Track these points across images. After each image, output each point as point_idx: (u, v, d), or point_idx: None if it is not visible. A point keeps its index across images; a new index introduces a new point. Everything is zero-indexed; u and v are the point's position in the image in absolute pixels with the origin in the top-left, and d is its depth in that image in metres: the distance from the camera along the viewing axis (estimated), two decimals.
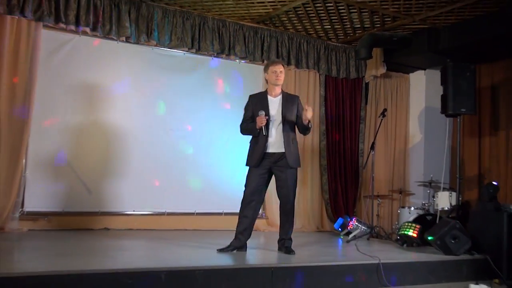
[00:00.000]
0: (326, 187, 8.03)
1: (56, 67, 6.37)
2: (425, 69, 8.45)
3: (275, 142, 4.91)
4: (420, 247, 5.92)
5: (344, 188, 8.19)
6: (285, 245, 5.02)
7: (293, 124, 5.03)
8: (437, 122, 8.12)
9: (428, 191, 7.34)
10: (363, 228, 6.85)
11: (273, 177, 5.05)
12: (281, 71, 4.98)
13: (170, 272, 3.69)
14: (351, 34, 7.95)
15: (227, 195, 7.01)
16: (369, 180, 7.58)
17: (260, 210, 7.53)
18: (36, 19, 6.07)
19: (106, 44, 6.65)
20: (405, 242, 6.08)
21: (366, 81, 8.51)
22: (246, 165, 5.01)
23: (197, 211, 7.02)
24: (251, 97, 5.12)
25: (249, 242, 5.03)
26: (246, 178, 4.98)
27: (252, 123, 4.95)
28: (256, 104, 4.98)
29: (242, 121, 5.08)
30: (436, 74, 7.65)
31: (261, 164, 4.89)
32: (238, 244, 4.91)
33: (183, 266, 3.95)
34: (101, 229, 6.39)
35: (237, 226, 4.96)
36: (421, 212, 6.91)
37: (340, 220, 7.42)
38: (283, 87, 7.57)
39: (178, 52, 7.10)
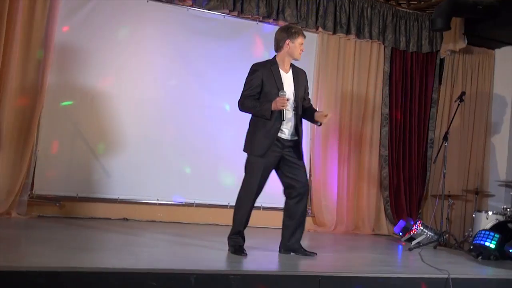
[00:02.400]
0: (386, 182, 7.99)
1: (77, 28, 6.50)
2: None
3: (290, 128, 4.88)
4: (499, 261, 5.84)
5: (408, 185, 8.14)
6: (298, 249, 5.02)
7: (301, 106, 5.00)
8: None
9: (511, 193, 7.21)
10: (430, 234, 6.80)
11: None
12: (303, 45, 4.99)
13: (201, 276, 3.75)
14: None
15: (266, 188, 7.03)
16: (439, 177, 7.49)
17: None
18: None
19: (135, 2, 6.75)
20: (481, 253, 6.00)
21: (442, 57, 8.38)
22: (246, 151, 4.93)
23: (230, 204, 7.07)
24: (258, 66, 4.91)
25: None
26: (249, 171, 4.88)
27: (258, 100, 4.82)
28: (268, 77, 4.85)
29: (245, 95, 4.88)
30: None
31: (270, 153, 4.82)
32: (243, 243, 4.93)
33: (215, 269, 4.02)
34: (119, 219, 6.56)
35: (242, 223, 4.92)
36: (501, 218, 6.79)
37: (401, 223, 7.39)
38: (341, 60, 7.55)
39: (217, 15, 7.15)
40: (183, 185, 6.95)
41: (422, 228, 6.92)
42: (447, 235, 7.01)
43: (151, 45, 6.86)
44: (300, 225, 5.05)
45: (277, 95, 4.73)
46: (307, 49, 7.51)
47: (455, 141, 8.18)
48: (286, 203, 5.05)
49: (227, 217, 6.85)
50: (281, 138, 4.85)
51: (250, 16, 7.23)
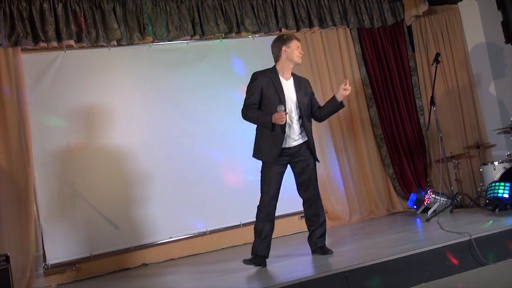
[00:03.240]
0: (388, 160, 7.99)
1: (46, 92, 6.50)
2: None
3: (295, 136, 4.98)
4: None
5: (410, 157, 8.13)
6: (318, 245, 5.12)
7: (309, 112, 5.10)
8: (504, 53, 7.94)
9: (511, 138, 7.22)
10: (443, 200, 6.81)
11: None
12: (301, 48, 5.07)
13: None
14: None
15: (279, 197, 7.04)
16: (437, 141, 7.49)
17: None
18: (12, 44, 6.22)
19: (97, 54, 6.76)
20: (497, 206, 6.01)
21: (408, 24, 8.40)
22: (256, 157, 5.05)
23: (243, 222, 7.06)
24: (259, 75, 5.02)
25: (303, 245, 5.18)
26: (264, 178, 5.00)
27: (258, 112, 4.91)
28: (268, 84, 4.95)
29: (247, 104, 4.98)
30: None
31: (279, 159, 4.94)
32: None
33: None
34: (138, 266, 6.54)
35: (262, 231, 4.98)
36: (508, 165, 6.79)
37: (413, 196, 7.39)
38: (312, 54, 7.58)
39: (180, 43, 7.15)
40: (191, 216, 6.92)
41: (434, 196, 6.92)
42: (460, 196, 7.01)
43: (123, 88, 6.86)
44: (317, 225, 5.15)
45: (278, 102, 4.85)
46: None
47: (444, 103, 8.20)
48: (302, 203, 5.23)
49: (243, 236, 6.92)
50: (284, 148, 4.93)
51: (212, 36, 7.23)
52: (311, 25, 7.76)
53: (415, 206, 7.28)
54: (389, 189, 8.00)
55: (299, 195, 5.20)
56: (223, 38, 7.35)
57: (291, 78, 5.07)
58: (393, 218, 7.32)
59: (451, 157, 7.50)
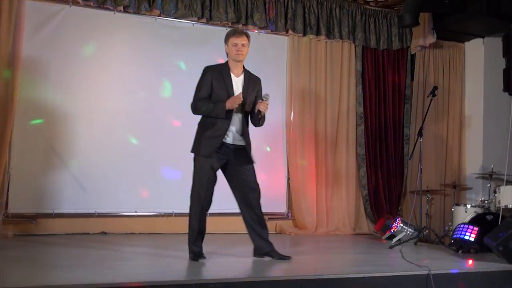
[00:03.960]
0: (365, 181, 8.02)
1: (43, 43, 6.46)
2: (483, 37, 8.36)
3: (236, 132, 4.91)
4: (479, 253, 5.88)
5: (386, 182, 8.17)
6: (273, 254, 5.00)
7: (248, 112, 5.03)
8: (499, 101, 7.99)
9: (488, 185, 7.29)
10: (410, 231, 6.83)
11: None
12: (243, 44, 4.92)
13: (179, 286, 3.74)
14: None
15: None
16: (416, 173, 7.53)
17: (285, 209, 7.60)
18: None
19: (101, 16, 6.72)
20: (461, 247, 6.04)
21: (412, 53, 8.44)
22: (194, 151, 4.92)
23: (210, 212, 7.02)
24: (210, 70, 4.97)
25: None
26: (197, 172, 4.89)
27: (210, 102, 4.85)
28: (218, 80, 4.91)
29: (197, 98, 4.92)
30: (497, 43, 7.56)
31: (215, 155, 4.85)
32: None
33: (194, 278, 4.00)
34: (97, 233, 6.51)
35: (197, 227, 4.96)
36: (479, 210, 6.86)
37: (382, 221, 7.40)
38: (312, 62, 7.59)
39: (185, 23, 7.13)
40: (161, 195, 6.90)
41: (402, 225, 6.94)
42: (427, 231, 7.05)
43: (120, 56, 6.84)
44: (261, 224, 5.04)
45: (227, 97, 4.79)
46: (278, 52, 7.64)
47: (430, 136, 8.23)
48: (240, 207, 5.05)
49: (208, 225, 6.86)
50: (225, 142, 4.87)
51: (219, 23, 7.20)
52: (318, 33, 7.76)
53: (381, 231, 7.30)
54: (360, 209, 8.03)
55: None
56: (229, 27, 7.32)
57: (242, 75, 5.00)
58: (358, 238, 7.35)
59: (426, 191, 7.55)
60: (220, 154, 4.87)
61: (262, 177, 7.26)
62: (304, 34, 7.70)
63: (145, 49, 6.96)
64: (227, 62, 5.02)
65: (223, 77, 4.91)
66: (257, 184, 5.00)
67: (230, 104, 4.74)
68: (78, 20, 6.63)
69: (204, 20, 7.13)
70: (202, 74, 4.97)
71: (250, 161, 4.95)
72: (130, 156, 6.78)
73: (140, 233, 6.69)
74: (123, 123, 6.80)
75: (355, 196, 8.01)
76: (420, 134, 6.99)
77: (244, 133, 4.94)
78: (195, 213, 4.95)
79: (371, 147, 8.09)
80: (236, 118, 4.90)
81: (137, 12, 6.82)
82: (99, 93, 6.71)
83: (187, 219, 6.82)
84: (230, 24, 7.27)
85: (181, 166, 6.93)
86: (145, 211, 6.84)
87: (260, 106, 4.86)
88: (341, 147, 7.93)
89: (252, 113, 5.00)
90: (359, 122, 8.04)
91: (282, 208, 7.64)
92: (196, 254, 4.88)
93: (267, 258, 4.97)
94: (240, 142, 4.92)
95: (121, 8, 6.71)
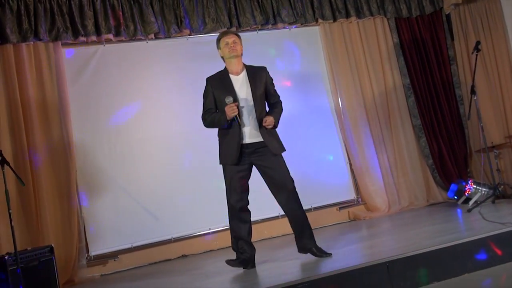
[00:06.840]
0: (427, 150, 7.88)
1: (86, 86, 6.63)
2: None
3: (251, 130, 4.87)
4: None
5: (450, 147, 8.01)
6: (314, 250, 4.94)
7: (265, 103, 5.03)
8: None
9: None
10: (484, 190, 6.70)
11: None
12: (234, 41, 4.96)
13: None
14: None
15: (317, 189, 7.04)
16: (477, 131, 7.37)
17: (354, 195, 7.55)
18: (52, 39, 6.35)
19: (135, 47, 6.86)
20: None
21: (447, 13, 8.24)
22: (221, 163, 4.98)
23: (281, 214, 7.04)
24: (209, 80, 5.05)
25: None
26: (227, 181, 4.96)
27: (216, 113, 4.91)
28: (218, 87, 4.94)
29: (203, 111, 5.03)
30: None
31: (241, 159, 4.87)
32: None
33: (281, 282, 4.03)
34: (178, 257, 6.63)
35: (240, 233, 5.01)
36: None
37: (453, 187, 7.28)
38: (348, 45, 7.52)
39: (217, 35, 7.13)
40: None
41: (475, 186, 6.81)
42: (502, 186, 6.88)
43: (161, 82, 6.93)
44: (298, 221, 5.01)
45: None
46: (312, 44, 7.61)
47: (484, 92, 8.03)
48: (281, 206, 5.07)
49: (281, 228, 6.93)
50: (246, 143, 4.87)
51: (249, 28, 7.24)
52: (347, 15, 7.69)
53: (455, 197, 7.18)
54: (429, 179, 7.89)
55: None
56: (259, 29, 7.34)
57: (243, 72, 5.00)
58: (433, 209, 7.23)
59: (492, 147, 7.37)
60: (243, 158, 4.88)
61: (323, 169, 7.32)
62: (334, 19, 7.64)
63: (183, 69, 7.02)
64: (225, 66, 5.07)
65: (221, 80, 4.96)
66: (287, 179, 4.93)
67: (227, 112, 4.76)
68: (115, 56, 6.78)
69: (234, 29, 7.16)
70: (205, 86, 5.06)
71: (273, 155, 4.90)
72: (193, 177, 6.86)
73: (219, 249, 6.76)
74: (179, 145, 6.89)
75: (421, 167, 7.88)
76: (473, 92, 6.86)
77: (262, 129, 4.88)
78: (231, 222, 5.02)
79: (426, 116, 7.94)
80: (247, 118, 4.88)
81: (168, 36, 6.92)
82: (149, 120, 6.83)
83: (260, 225, 6.95)
84: (259, 27, 7.29)
85: None
86: (218, 226, 6.86)
87: (265, 125, 4.85)
88: (396, 122, 7.82)
89: (268, 104, 5.06)
90: (408, 94, 7.91)
91: (351, 195, 7.59)
92: (241, 261, 4.98)
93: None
94: (258, 138, 4.89)
95: (152, 36, 6.82)
